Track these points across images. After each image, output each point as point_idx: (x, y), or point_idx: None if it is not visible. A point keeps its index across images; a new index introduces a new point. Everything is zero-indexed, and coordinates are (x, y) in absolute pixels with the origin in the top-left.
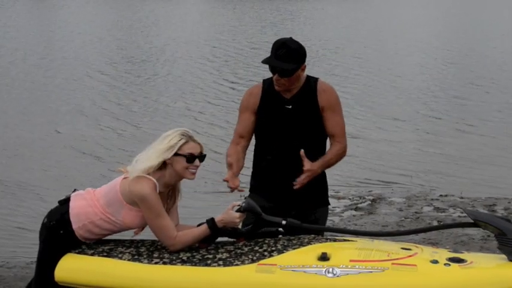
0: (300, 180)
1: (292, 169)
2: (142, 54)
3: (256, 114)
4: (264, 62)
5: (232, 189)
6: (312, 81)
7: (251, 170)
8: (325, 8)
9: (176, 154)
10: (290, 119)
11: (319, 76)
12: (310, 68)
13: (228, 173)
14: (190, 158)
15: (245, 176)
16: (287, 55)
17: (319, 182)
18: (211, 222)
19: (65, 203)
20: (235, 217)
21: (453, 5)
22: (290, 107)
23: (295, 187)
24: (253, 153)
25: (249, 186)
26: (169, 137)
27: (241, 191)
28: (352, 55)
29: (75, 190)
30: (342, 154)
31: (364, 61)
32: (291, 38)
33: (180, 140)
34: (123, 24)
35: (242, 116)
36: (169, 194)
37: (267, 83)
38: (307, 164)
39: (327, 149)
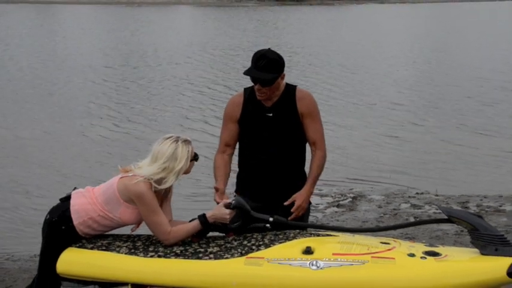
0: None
1: (274, 173)
2: (139, 59)
3: (239, 123)
4: (246, 73)
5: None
6: (291, 89)
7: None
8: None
9: None
10: (271, 126)
11: (303, 79)
12: (291, 73)
13: (217, 191)
14: (195, 158)
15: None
16: (267, 66)
17: (301, 184)
18: (202, 217)
19: (65, 200)
20: (225, 213)
21: (431, 15)
22: (271, 114)
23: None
24: (238, 156)
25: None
26: (177, 152)
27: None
28: (334, 60)
29: (75, 188)
30: (324, 162)
31: (345, 64)
32: (269, 49)
33: (188, 150)
34: (121, 30)
35: (226, 125)
36: (164, 190)
37: (248, 92)
38: (298, 201)
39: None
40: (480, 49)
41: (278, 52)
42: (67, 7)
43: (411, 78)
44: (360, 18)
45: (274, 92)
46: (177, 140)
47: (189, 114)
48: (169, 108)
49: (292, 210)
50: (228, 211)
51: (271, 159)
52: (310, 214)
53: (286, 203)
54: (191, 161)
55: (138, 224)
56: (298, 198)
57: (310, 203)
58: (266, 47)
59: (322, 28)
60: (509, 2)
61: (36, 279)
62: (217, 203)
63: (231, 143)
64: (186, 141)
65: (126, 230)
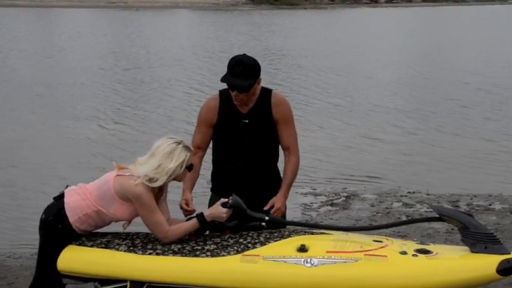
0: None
1: (251, 179)
2: (130, 61)
3: (214, 128)
4: (223, 80)
5: (188, 212)
6: (266, 94)
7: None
8: (310, 19)
9: None
10: (247, 133)
11: (289, 82)
12: (278, 74)
13: (184, 197)
14: (190, 168)
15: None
16: (244, 72)
17: (276, 188)
18: (201, 216)
19: (59, 198)
20: (223, 212)
21: (421, 18)
22: (247, 121)
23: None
24: (212, 159)
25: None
26: (175, 153)
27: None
28: (325, 62)
29: (67, 186)
30: (298, 167)
31: (337, 65)
32: (244, 54)
33: (186, 156)
34: (116, 34)
35: (200, 128)
36: (158, 189)
37: (224, 94)
38: (277, 204)
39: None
40: (465, 51)
41: (265, 53)
42: (68, 11)
43: (406, 83)
44: (352, 21)
45: (251, 97)
46: (178, 143)
47: (174, 115)
48: (155, 110)
49: (271, 212)
50: (225, 210)
51: (248, 166)
52: (305, 212)
53: (265, 208)
54: (185, 168)
55: (130, 220)
56: (276, 201)
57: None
58: (257, 49)
59: (313, 31)
60: (498, 5)
61: (34, 278)
62: (182, 209)
63: (202, 146)
64: (187, 148)
65: (118, 227)
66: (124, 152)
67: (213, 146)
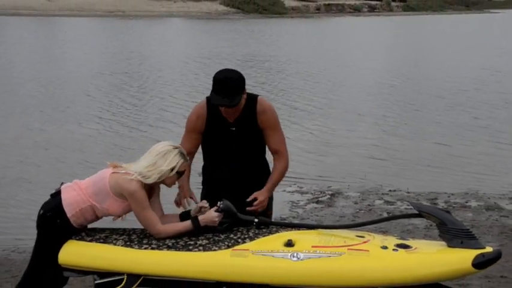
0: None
1: (238, 186)
2: (119, 66)
3: (202, 135)
4: (212, 102)
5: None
6: (252, 101)
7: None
8: (296, 27)
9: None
10: (235, 140)
11: (277, 85)
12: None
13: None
14: (181, 174)
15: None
16: (231, 90)
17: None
18: (195, 221)
19: (56, 195)
20: (215, 217)
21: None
22: (234, 129)
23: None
24: (202, 165)
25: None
26: (169, 155)
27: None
28: (314, 66)
29: (62, 183)
30: (286, 170)
31: (324, 69)
32: (227, 69)
33: (179, 161)
34: (111, 40)
35: (189, 135)
36: (150, 187)
37: (211, 103)
38: (260, 197)
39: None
40: (439, 57)
41: (251, 58)
42: (68, 19)
43: (387, 88)
44: (336, 29)
45: (238, 108)
46: (175, 148)
47: (160, 117)
48: (139, 113)
49: (254, 204)
50: (216, 214)
51: (236, 173)
52: (292, 209)
53: (248, 200)
54: (176, 172)
55: (120, 216)
56: (259, 195)
57: (272, 198)
58: (243, 53)
59: (298, 38)
60: (474, 14)
61: (30, 269)
62: (176, 203)
63: (192, 151)
64: (182, 155)
65: (121, 225)
66: (124, 152)
67: (202, 154)
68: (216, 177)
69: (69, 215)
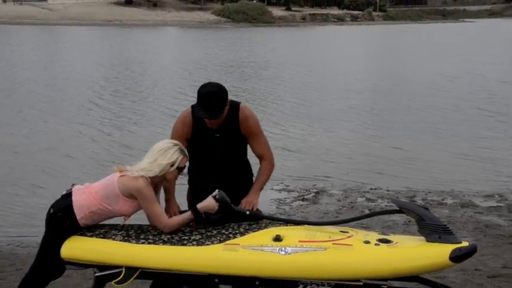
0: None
1: (225, 187)
2: (112, 71)
3: (188, 142)
4: (198, 116)
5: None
6: (235, 109)
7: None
8: (282, 35)
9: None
10: (219, 146)
11: (263, 88)
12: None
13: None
14: (182, 170)
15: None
16: (215, 104)
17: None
18: (195, 209)
19: (67, 196)
20: (214, 204)
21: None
22: (218, 135)
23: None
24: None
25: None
26: (169, 152)
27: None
28: (303, 70)
29: (73, 185)
30: (271, 171)
31: (313, 72)
32: (210, 84)
33: (178, 157)
34: (107, 48)
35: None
36: (154, 186)
37: (197, 110)
38: (253, 200)
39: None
40: (417, 63)
41: (238, 64)
42: (69, 28)
43: (369, 90)
44: (320, 37)
45: (222, 117)
46: (175, 145)
47: (152, 121)
48: (129, 116)
49: (247, 207)
50: (215, 201)
51: (222, 179)
52: (279, 206)
53: (243, 206)
54: (176, 168)
55: (130, 215)
56: (251, 198)
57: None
58: (232, 62)
59: (283, 45)
60: (451, 23)
61: (36, 263)
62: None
63: None
64: (182, 151)
65: (119, 221)
66: (124, 155)
67: (189, 158)
68: (203, 187)
69: (78, 217)
